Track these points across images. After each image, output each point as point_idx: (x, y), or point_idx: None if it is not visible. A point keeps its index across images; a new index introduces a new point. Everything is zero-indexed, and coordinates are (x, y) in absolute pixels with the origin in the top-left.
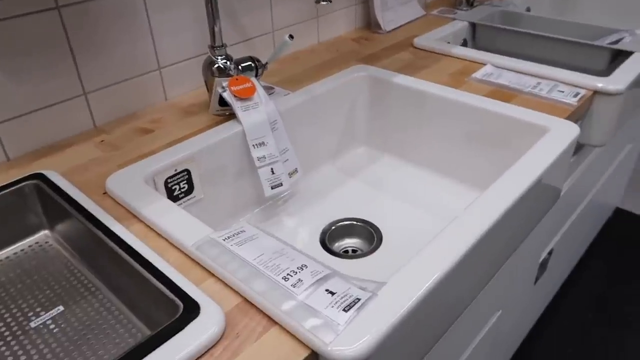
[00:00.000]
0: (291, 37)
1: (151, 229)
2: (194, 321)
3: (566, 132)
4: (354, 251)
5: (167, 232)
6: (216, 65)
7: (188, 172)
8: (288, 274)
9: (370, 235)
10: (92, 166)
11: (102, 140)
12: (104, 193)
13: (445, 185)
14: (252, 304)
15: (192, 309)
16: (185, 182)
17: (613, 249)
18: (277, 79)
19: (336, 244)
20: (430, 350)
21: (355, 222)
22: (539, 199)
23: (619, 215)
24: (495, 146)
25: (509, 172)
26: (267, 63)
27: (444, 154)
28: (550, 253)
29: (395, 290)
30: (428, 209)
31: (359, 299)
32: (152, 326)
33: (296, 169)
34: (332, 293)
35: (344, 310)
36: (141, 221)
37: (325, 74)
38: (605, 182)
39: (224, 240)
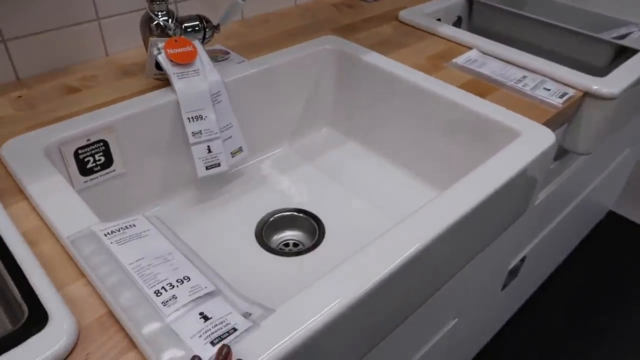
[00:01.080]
0: None
1: (35, 210)
2: (34, 335)
3: (539, 140)
4: (295, 244)
5: (47, 217)
6: (155, 23)
7: (105, 142)
8: (163, 287)
9: (313, 229)
10: None
11: (19, 96)
12: None
13: (405, 181)
14: (116, 319)
15: (37, 320)
16: (101, 153)
17: (599, 255)
18: (237, 42)
19: (275, 237)
20: None
21: (298, 214)
22: (501, 210)
23: (611, 220)
24: (462, 145)
25: (466, 179)
26: (218, 25)
27: (408, 146)
28: (522, 260)
29: (284, 321)
30: (381, 206)
31: (235, 329)
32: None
33: (241, 147)
34: (207, 318)
35: (212, 343)
36: (27, 199)
37: (293, 42)
38: (597, 186)
39: (105, 235)
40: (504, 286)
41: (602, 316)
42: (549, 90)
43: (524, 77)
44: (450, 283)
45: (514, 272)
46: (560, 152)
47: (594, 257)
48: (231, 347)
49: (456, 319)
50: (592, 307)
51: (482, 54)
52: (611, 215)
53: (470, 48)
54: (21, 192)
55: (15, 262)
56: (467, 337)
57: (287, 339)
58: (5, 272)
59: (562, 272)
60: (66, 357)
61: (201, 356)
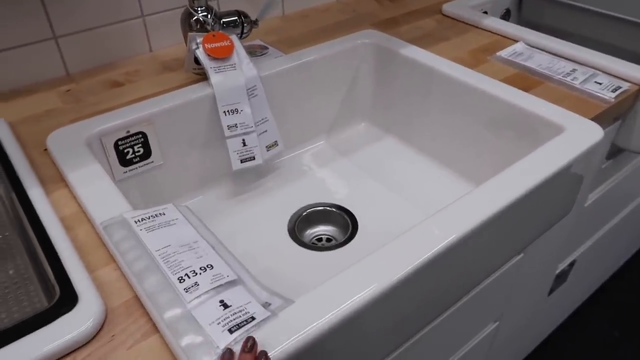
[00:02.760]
0: None
1: (74, 197)
2: (64, 315)
3: (585, 136)
4: (328, 240)
5: (84, 204)
6: (194, 18)
7: (144, 134)
8: (186, 274)
9: (346, 225)
10: (46, 118)
11: (68, 90)
12: (45, 150)
13: (442, 177)
14: (141, 303)
15: (67, 301)
16: (140, 145)
17: None
18: (276, 37)
19: (308, 231)
20: None
21: (331, 209)
22: (541, 208)
23: None
24: (503, 141)
25: (504, 174)
26: (257, 20)
27: (447, 141)
28: (572, 264)
29: (302, 313)
30: (417, 202)
31: (253, 318)
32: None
33: (276, 141)
34: (226, 306)
35: (229, 330)
36: (67, 187)
37: (332, 36)
38: None
39: (135, 222)
40: (551, 291)
41: None
42: (600, 84)
43: (574, 70)
44: (490, 283)
45: (562, 277)
46: (614, 151)
47: None
48: (256, 340)
49: (497, 322)
50: None
51: (529, 47)
52: None
53: (516, 41)
54: (63, 180)
55: (51, 245)
56: (509, 343)
57: (304, 331)
58: (42, 254)
59: (617, 281)
60: (93, 337)
61: (218, 343)
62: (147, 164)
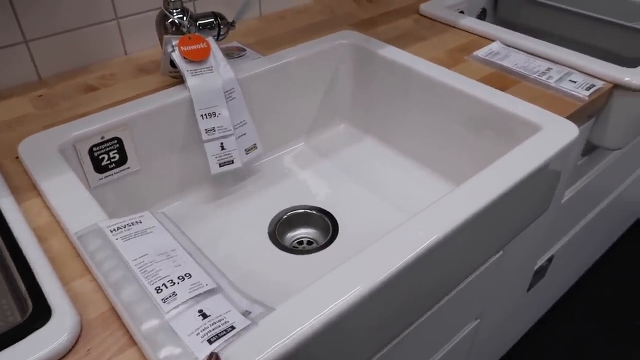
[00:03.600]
0: None
1: (47, 206)
2: (37, 330)
3: (561, 134)
4: (309, 242)
5: (58, 214)
6: (169, 20)
7: (119, 140)
8: (164, 284)
9: (327, 227)
10: (17, 124)
11: (40, 95)
12: (17, 157)
13: (422, 177)
14: (118, 315)
15: (40, 315)
16: (115, 151)
17: (634, 257)
18: (254, 39)
19: (289, 234)
20: None
21: (311, 211)
22: (520, 206)
23: None
24: (482, 140)
25: (483, 173)
26: (233, 21)
27: (426, 141)
28: (550, 260)
29: (283, 320)
30: (397, 203)
31: (233, 327)
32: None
33: (255, 144)
34: (205, 316)
35: (209, 341)
36: (40, 196)
37: (311, 37)
38: (632, 185)
39: (111, 231)
40: (530, 287)
41: (637, 320)
42: (575, 82)
43: (549, 69)
44: (470, 281)
45: (540, 272)
46: (589, 148)
47: (629, 259)
48: (220, 356)
49: (478, 320)
50: (625, 311)
51: (505, 46)
52: None
53: (492, 40)
54: (35, 189)
55: (23, 257)
56: (490, 340)
57: (285, 339)
58: (14, 267)
59: (594, 275)
60: (68, 352)
61: (197, 354)
62: (123, 170)
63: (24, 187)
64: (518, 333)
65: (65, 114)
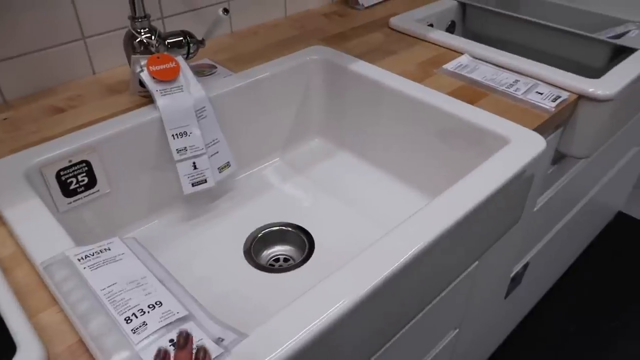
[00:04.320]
0: (226, 11)
1: (12, 235)
2: None
3: (529, 146)
4: (285, 260)
5: (22, 243)
6: (137, 40)
7: (88, 163)
8: (134, 314)
9: (302, 244)
10: None
11: (5, 119)
12: None
13: (397, 190)
14: (86, 348)
15: (5, 351)
16: (84, 174)
17: (609, 258)
18: (225, 56)
19: (265, 252)
20: None
21: (287, 228)
22: (493, 217)
23: (621, 221)
24: (453, 153)
25: (453, 188)
26: (203, 39)
27: (399, 155)
28: (525, 266)
29: (256, 347)
30: (373, 217)
31: None
32: None
33: (228, 162)
34: None
35: None
36: (4, 224)
37: (282, 53)
38: (604, 188)
39: (79, 260)
40: (507, 294)
41: (613, 321)
42: (541, 94)
43: (516, 81)
44: (448, 291)
45: (516, 279)
46: (559, 156)
47: (604, 260)
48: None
49: (457, 330)
50: (602, 312)
51: (473, 59)
52: (621, 216)
53: (461, 53)
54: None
55: None
56: (470, 348)
57: None
58: None
59: (571, 277)
60: None
61: None
62: (92, 193)
63: None
64: (497, 339)
65: (31, 137)
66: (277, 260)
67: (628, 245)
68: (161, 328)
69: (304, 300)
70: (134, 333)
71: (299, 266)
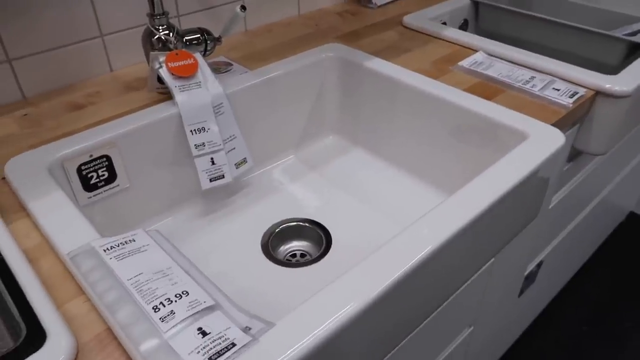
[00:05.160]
0: (243, 8)
1: (37, 227)
2: (33, 354)
3: (548, 141)
4: (302, 255)
5: (48, 234)
6: (156, 37)
7: (108, 158)
8: (161, 303)
9: (320, 239)
10: (2, 144)
11: (25, 115)
12: (3, 178)
13: (412, 187)
14: (114, 336)
15: (35, 338)
16: (104, 169)
17: (621, 258)
18: (240, 53)
19: (282, 247)
20: None
21: (304, 224)
22: (510, 214)
23: (633, 221)
24: (470, 149)
25: (472, 183)
26: (220, 37)
27: (415, 151)
28: (539, 265)
29: (284, 335)
30: (388, 213)
31: (234, 344)
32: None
33: (245, 158)
34: (205, 334)
35: (209, 359)
36: (29, 216)
37: (296, 51)
38: (617, 187)
39: (104, 250)
40: (521, 292)
41: (626, 322)
42: (558, 90)
43: (532, 77)
44: (463, 289)
45: (530, 278)
46: (574, 153)
47: (616, 261)
48: None
49: (472, 327)
50: (615, 313)
51: (488, 56)
52: (633, 216)
53: (475, 50)
54: (23, 209)
55: (14, 280)
56: (484, 346)
57: (286, 354)
58: (4, 290)
59: (583, 277)
60: None
61: None
62: (112, 187)
63: (12, 208)
64: (510, 338)
65: (51, 133)
66: (294, 255)
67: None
68: (189, 317)
69: (329, 291)
70: (162, 321)
71: (317, 261)
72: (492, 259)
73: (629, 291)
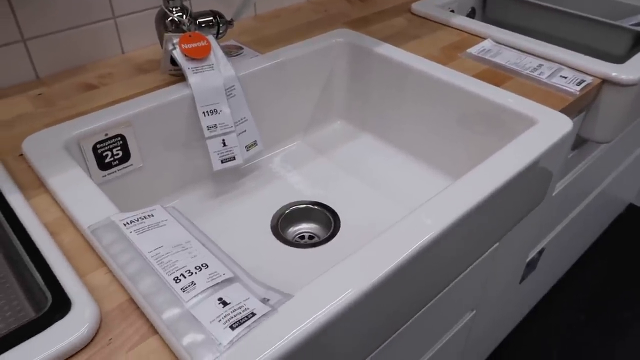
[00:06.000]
0: None
1: (56, 202)
2: (58, 321)
3: (556, 127)
4: (310, 237)
5: (67, 208)
6: (169, 19)
7: (122, 137)
8: (182, 274)
9: (328, 222)
10: (18, 123)
11: (39, 94)
12: (20, 155)
13: (420, 171)
14: (136, 306)
15: (60, 306)
16: (119, 148)
17: (620, 248)
18: (250, 38)
19: (291, 229)
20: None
21: (313, 206)
22: (517, 199)
23: (632, 213)
24: (478, 134)
25: (481, 167)
26: (232, 20)
27: (423, 136)
28: (540, 252)
29: (301, 306)
30: (396, 197)
31: (254, 314)
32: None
33: (255, 141)
34: (225, 304)
35: (231, 327)
36: (48, 192)
37: (306, 36)
38: (618, 177)
39: (124, 225)
40: (522, 279)
41: (624, 312)
42: (565, 77)
43: (540, 65)
44: (467, 274)
45: (531, 265)
46: (579, 142)
47: (615, 251)
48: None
49: (474, 311)
50: (614, 302)
51: (496, 44)
52: (632, 208)
53: (484, 38)
54: (42, 185)
55: (38, 251)
56: (485, 331)
57: (305, 323)
58: (28, 261)
59: (583, 266)
60: (90, 342)
61: (221, 340)
62: (126, 167)
63: (30, 184)
64: (511, 324)
65: (66, 112)
66: (302, 237)
67: (638, 237)
68: (209, 287)
69: (343, 265)
70: (183, 292)
71: (325, 243)
72: (496, 244)
73: (627, 282)
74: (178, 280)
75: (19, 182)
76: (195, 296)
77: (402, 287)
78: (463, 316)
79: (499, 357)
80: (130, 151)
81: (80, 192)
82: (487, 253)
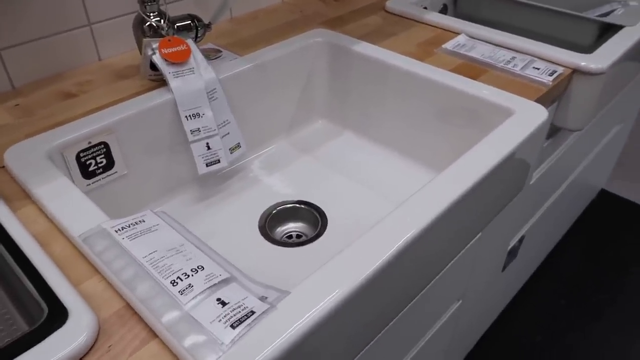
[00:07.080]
0: None
1: (43, 212)
2: (56, 331)
3: (532, 117)
4: (298, 236)
5: (56, 218)
6: (147, 24)
7: (106, 145)
8: (178, 277)
9: (315, 220)
10: None
11: (16, 105)
12: (2, 167)
13: (403, 166)
14: (134, 311)
15: (57, 316)
16: (102, 156)
17: (594, 233)
18: (228, 40)
19: (278, 229)
20: (362, 351)
21: (299, 205)
22: (498, 188)
23: (604, 198)
24: (458, 127)
25: (462, 159)
26: (210, 23)
27: (404, 132)
28: (520, 240)
29: (300, 301)
30: (381, 193)
31: (253, 312)
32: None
33: (239, 143)
34: (224, 303)
35: (231, 326)
36: (34, 202)
37: (283, 37)
38: (589, 164)
39: (116, 231)
40: (504, 267)
41: (600, 294)
42: (538, 69)
43: (513, 58)
44: (452, 265)
45: (513, 253)
46: (552, 131)
47: (589, 237)
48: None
49: (460, 301)
50: (590, 286)
51: (470, 38)
52: (603, 193)
53: (458, 33)
54: (27, 197)
55: (30, 263)
56: (472, 319)
57: (305, 318)
58: (20, 273)
59: (560, 252)
60: (89, 350)
61: (223, 339)
62: (110, 174)
63: (15, 196)
64: (495, 312)
65: (46, 121)
66: (290, 237)
67: (611, 221)
68: (207, 289)
69: (336, 261)
70: (181, 294)
71: (313, 241)
72: (479, 234)
73: (602, 265)
74: (175, 284)
75: (3, 195)
76: (193, 298)
77: (391, 282)
78: (450, 306)
79: (484, 348)
80: (114, 158)
81: (68, 201)
82: (471, 243)
